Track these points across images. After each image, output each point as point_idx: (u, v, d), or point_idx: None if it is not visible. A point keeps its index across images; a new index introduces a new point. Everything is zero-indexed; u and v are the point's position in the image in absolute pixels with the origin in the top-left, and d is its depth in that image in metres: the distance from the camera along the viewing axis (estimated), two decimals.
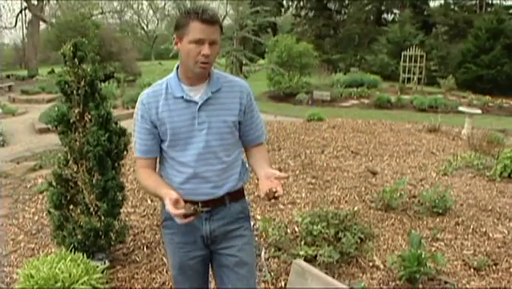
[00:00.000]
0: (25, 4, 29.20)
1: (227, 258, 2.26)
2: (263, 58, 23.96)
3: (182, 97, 2.13)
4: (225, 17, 47.89)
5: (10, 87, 19.18)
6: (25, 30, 35.37)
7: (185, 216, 1.95)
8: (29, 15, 30.30)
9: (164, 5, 54.61)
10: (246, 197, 2.42)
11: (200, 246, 2.26)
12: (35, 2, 27.53)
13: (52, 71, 25.45)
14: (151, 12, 53.45)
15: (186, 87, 2.15)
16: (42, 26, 29.83)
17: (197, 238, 2.24)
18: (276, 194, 1.97)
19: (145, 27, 53.94)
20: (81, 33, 19.52)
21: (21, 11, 32.30)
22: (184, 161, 2.15)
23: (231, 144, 2.23)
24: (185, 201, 2.00)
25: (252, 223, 2.51)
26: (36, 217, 4.86)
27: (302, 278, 2.06)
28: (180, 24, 2.08)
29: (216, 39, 2.05)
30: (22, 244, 4.26)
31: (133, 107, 8.09)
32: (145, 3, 51.59)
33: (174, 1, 55.09)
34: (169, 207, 1.94)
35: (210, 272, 2.40)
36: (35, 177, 6.28)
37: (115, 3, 45.97)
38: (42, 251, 4.05)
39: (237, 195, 2.27)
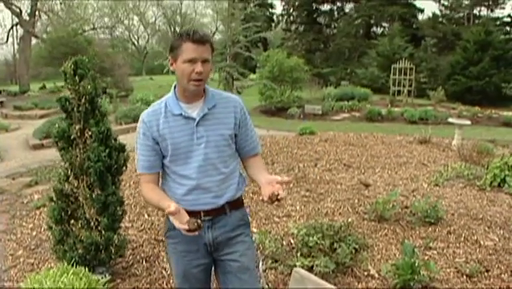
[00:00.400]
0: (16, 20, 29.24)
1: (230, 264, 2.37)
2: (254, 72, 24.14)
3: (181, 114, 2.27)
4: (215, 33, 48.12)
5: (1, 102, 19.18)
6: (16, 46, 35.45)
7: (189, 230, 2.05)
8: (20, 31, 30.39)
9: (155, 20, 55.00)
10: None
11: (203, 254, 2.36)
12: (27, 18, 27.58)
13: (44, 87, 25.47)
14: (141, 27, 53.78)
15: (184, 104, 2.29)
16: (34, 41, 29.89)
17: (200, 247, 2.34)
18: (279, 197, 2.09)
19: (136, 43, 54.19)
20: (73, 48, 19.63)
21: (12, 27, 32.37)
22: (186, 174, 2.27)
23: (229, 155, 2.36)
24: (189, 215, 2.11)
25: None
26: (34, 233, 4.90)
27: (301, 285, 2.15)
28: (174, 46, 2.23)
29: (207, 58, 2.19)
30: (21, 259, 4.30)
31: (126, 123, 8.14)
32: (136, 19, 51.93)
33: (164, 16, 55.58)
34: (174, 221, 2.08)
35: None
36: (31, 193, 6.32)
37: (106, 19, 46.23)
38: (42, 266, 4.09)
39: (236, 204, 2.40)
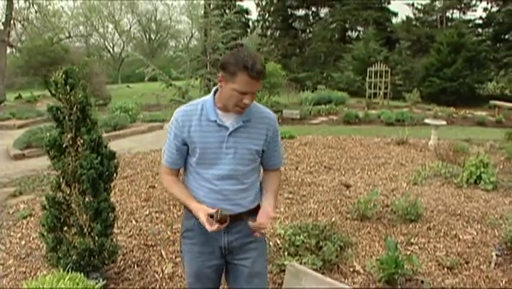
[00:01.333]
0: None
1: (242, 270, 2.47)
2: None
3: (215, 121, 2.33)
4: (191, 38, 47.99)
5: None
6: None
7: (219, 222, 2.19)
8: None
9: (130, 28, 54.78)
10: None
11: (217, 255, 2.46)
12: (1, 27, 27.24)
13: (19, 97, 25.18)
14: (117, 35, 53.52)
15: (220, 112, 2.34)
16: (8, 51, 29.51)
17: (215, 249, 2.44)
18: (261, 230, 2.34)
19: (111, 50, 53.89)
20: (50, 58, 19.52)
21: None
22: (209, 178, 2.36)
23: (252, 168, 2.45)
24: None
25: None
26: (23, 242, 4.93)
27: (296, 279, 2.28)
28: (228, 68, 2.21)
29: (257, 90, 2.29)
30: (12, 268, 4.33)
31: (107, 132, 8.17)
32: (111, 26, 51.69)
33: (139, 23, 55.40)
34: (203, 220, 2.21)
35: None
36: (17, 203, 6.32)
37: (81, 27, 45.98)
38: (34, 274, 4.14)
39: (252, 212, 2.46)
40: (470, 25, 27.30)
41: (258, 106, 2.49)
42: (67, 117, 3.52)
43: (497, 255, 4.34)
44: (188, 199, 2.37)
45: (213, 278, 2.53)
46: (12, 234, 5.24)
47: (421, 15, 30.91)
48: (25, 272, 4.21)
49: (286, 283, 2.33)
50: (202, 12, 35.56)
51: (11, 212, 6.01)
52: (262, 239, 2.59)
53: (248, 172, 2.42)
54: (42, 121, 14.36)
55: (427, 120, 12.12)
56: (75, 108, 3.49)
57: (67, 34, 38.28)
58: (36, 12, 28.02)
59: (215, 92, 2.39)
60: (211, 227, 2.20)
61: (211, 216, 2.21)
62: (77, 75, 3.55)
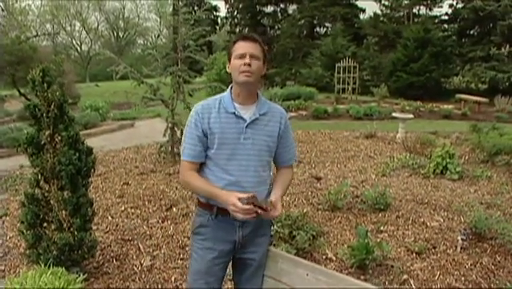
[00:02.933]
0: None
1: (251, 264, 2.56)
2: (201, 75, 24.22)
3: (234, 113, 2.44)
4: (159, 36, 47.68)
5: None
6: None
7: (248, 203, 2.22)
8: None
9: (98, 25, 54.15)
10: None
11: (227, 252, 2.52)
12: None
13: None
14: (84, 33, 52.85)
15: (238, 105, 2.47)
16: None
17: (226, 245, 2.50)
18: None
19: (79, 49, 53.18)
20: (18, 56, 19.18)
21: None
22: (229, 169, 2.43)
23: (267, 161, 2.55)
24: (221, 211, 2.37)
25: None
26: (0, 241, 4.94)
27: (274, 262, 2.42)
28: (229, 49, 2.47)
29: (256, 55, 2.41)
30: None
31: (80, 130, 8.09)
32: (78, 25, 50.99)
33: (107, 21, 54.81)
34: (235, 202, 2.24)
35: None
36: None
37: (48, 25, 45.24)
38: (14, 272, 4.17)
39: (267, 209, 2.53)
40: (436, 21, 27.82)
41: (270, 102, 2.63)
42: (44, 114, 3.58)
43: (462, 240, 4.54)
44: (215, 188, 2.42)
45: (220, 276, 2.57)
46: None
47: (388, 11, 31.31)
48: (3, 270, 4.23)
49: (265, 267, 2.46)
50: (171, 9, 35.47)
51: None
52: (269, 234, 2.69)
53: (264, 163, 2.52)
54: (11, 121, 14.16)
55: (394, 114, 12.40)
56: (52, 106, 3.56)
57: (34, 33, 37.67)
58: (2, 10, 27.51)
59: (231, 88, 2.53)
60: (242, 214, 2.24)
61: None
62: (54, 74, 3.61)
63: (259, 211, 2.25)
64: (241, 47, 2.41)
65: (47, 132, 3.58)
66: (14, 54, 18.89)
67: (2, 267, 4.31)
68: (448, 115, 15.55)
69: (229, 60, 2.46)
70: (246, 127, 2.44)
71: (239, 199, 2.23)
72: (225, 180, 2.42)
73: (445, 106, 17.28)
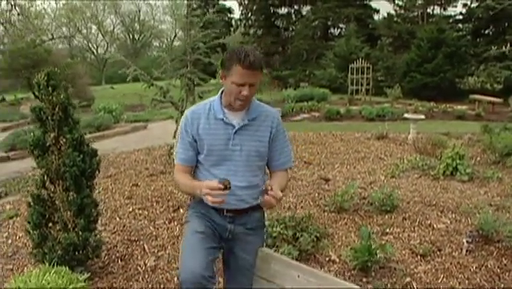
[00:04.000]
0: None
1: (240, 263, 2.59)
2: (214, 77, 24.35)
3: (222, 119, 2.48)
4: (174, 38, 47.95)
5: None
6: None
7: (224, 189, 2.28)
8: None
9: (113, 28, 54.59)
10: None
11: (217, 233, 2.56)
12: None
13: (3, 100, 25.05)
14: (100, 36, 53.31)
15: (227, 111, 2.50)
16: None
17: (217, 226, 2.57)
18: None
19: (95, 52, 53.65)
20: (33, 60, 19.47)
21: None
22: (216, 174, 2.47)
23: (258, 166, 2.58)
24: (214, 210, 2.47)
25: None
26: (10, 241, 5.04)
27: (266, 263, 2.44)
28: (225, 64, 2.42)
29: (255, 82, 2.40)
30: None
31: (90, 132, 8.27)
32: (94, 28, 51.47)
33: (123, 24, 55.23)
34: (205, 191, 2.29)
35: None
36: (2, 204, 6.41)
37: (64, 29, 45.72)
38: (21, 271, 4.25)
39: (257, 206, 2.61)
40: (450, 20, 27.60)
41: (262, 105, 2.64)
42: (49, 117, 3.65)
43: (467, 242, 4.51)
44: (192, 181, 2.50)
45: (212, 240, 2.52)
46: None
47: (402, 12, 31.15)
48: (12, 269, 4.32)
49: (257, 268, 2.49)
50: (185, 12, 35.56)
51: None
52: (262, 234, 2.73)
53: (253, 169, 2.54)
54: (26, 123, 14.36)
55: (406, 115, 12.34)
56: (57, 109, 3.63)
57: (50, 36, 38.08)
58: (18, 14, 27.85)
59: (222, 92, 2.54)
60: (213, 198, 2.28)
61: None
62: (59, 77, 3.67)
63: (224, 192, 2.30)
64: (242, 76, 2.36)
65: (52, 135, 3.64)
66: (29, 57, 19.19)
67: (10, 266, 4.40)
68: (461, 115, 15.41)
69: (224, 76, 2.43)
70: (235, 133, 2.47)
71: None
72: None
73: (459, 107, 17.10)
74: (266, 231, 2.88)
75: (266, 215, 2.81)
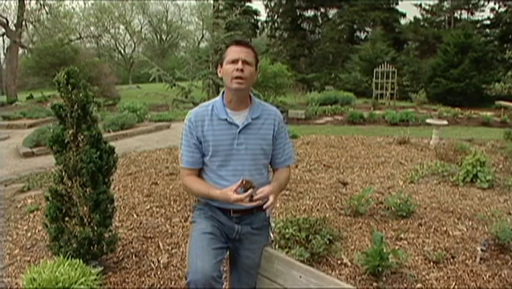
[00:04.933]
0: (3, 30, 29.37)
1: (245, 263, 2.63)
2: None
3: (226, 119, 2.51)
4: (201, 40, 48.25)
5: None
6: (3, 57, 35.51)
7: (245, 190, 2.34)
8: (7, 41, 30.53)
9: (141, 28, 55.24)
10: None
11: (225, 233, 2.59)
12: (13, 28, 27.71)
13: (31, 97, 25.59)
14: (128, 36, 53.98)
15: (230, 111, 2.53)
16: (20, 51, 30.01)
17: (224, 227, 2.59)
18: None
19: (122, 51, 54.33)
20: (60, 58, 19.87)
21: None
22: (223, 175, 2.52)
23: (263, 164, 2.62)
24: (220, 210, 2.50)
25: None
26: (29, 234, 5.17)
27: (270, 263, 2.48)
28: (222, 54, 2.53)
29: (249, 60, 2.46)
30: (18, 258, 4.55)
31: (114, 131, 8.41)
32: (122, 27, 52.15)
33: (150, 24, 55.85)
34: (235, 197, 2.34)
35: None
36: (24, 198, 6.56)
37: (92, 28, 46.44)
38: (38, 263, 4.35)
39: (262, 206, 2.58)
40: (478, 25, 27.31)
41: (264, 104, 2.68)
42: (68, 114, 3.74)
43: (482, 250, 4.46)
44: (211, 188, 2.51)
45: (220, 240, 2.54)
46: (19, 226, 5.48)
47: (429, 16, 30.92)
48: (29, 261, 4.43)
49: (261, 268, 2.53)
50: (212, 13, 35.96)
51: (19, 206, 6.26)
52: (267, 234, 2.77)
53: (259, 167, 2.58)
54: (51, 120, 14.64)
55: (428, 120, 12.23)
56: (75, 106, 3.72)
57: (78, 35, 38.75)
58: (47, 13, 28.47)
59: (223, 93, 2.58)
60: (244, 201, 2.34)
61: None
62: (78, 76, 3.77)
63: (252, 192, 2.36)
64: (234, 52, 2.44)
65: (71, 131, 3.73)
66: (57, 56, 19.60)
67: (28, 258, 4.51)
68: (486, 122, 15.22)
69: (221, 65, 2.50)
70: (239, 132, 2.50)
71: (235, 191, 2.35)
72: (221, 185, 2.49)
73: (485, 113, 16.87)
74: (271, 230, 2.89)
75: (271, 215, 2.83)
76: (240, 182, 2.36)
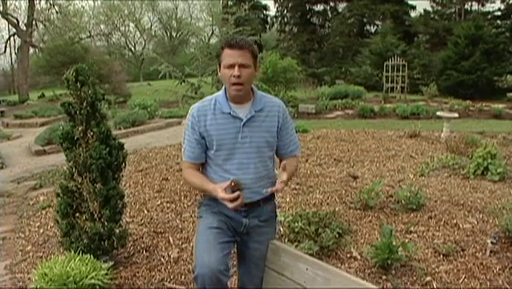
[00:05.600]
0: (14, 30, 29.64)
1: (253, 254, 2.64)
2: None
3: (229, 113, 2.50)
4: (211, 36, 48.34)
5: (2, 112, 19.54)
6: (14, 56, 35.79)
7: (233, 191, 2.33)
8: (18, 41, 30.78)
9: (151, 26, 55.33)
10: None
11: (232, 227, 2.60)
12: (24, 28, 27.94)
13: (42, 96, 25.79)
14: (138, 33, 54.12)
15: (233, 104, 2.52)
16: (31, 51, 30.26)
17: (233, 221, 2.59)
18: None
19: (133, 49, 54.49)
20: (71, 57, 20.01)
21: (10, 37, 32.76)
22: (228, 169, 2.52)
23: (268, 156, 2.61)
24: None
25: None
26: (42, 230, 5.23)
27: (277, 255, 2.49)
28: (218, 54, 2.50)
29: (245, 63, 2.41)
30: (30, 254, 4.62)
31: (125, 128, 8.48)
32: (132, 25, 52.29)
33: (160, 21, 55.94)
34: (221, 195, 2.34)
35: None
36: (37, 195, 6.65)
37: (102, 26, 46.63)
38: (50, 258, 4.41)
39: (269, 198, 2.65)
40: (489, 17, 27.04)
41: (267, 96, 2.67)
42: (78, 112, 3.78)
43: (492, 243, 4.43)
44: (205, 182, 2.52)
45: (227, 234, 2.55)
46: (31, 223, 5.55)
47: (440, 8, 30.66)
48: (41, 257, 4.49)
49: (268, 260, 2.54)
50: (221, 8, 35.97)
51: (31, 203, 6.34)
52: (275, 225, 2.77)
53: (264, 160, 2.57)
54: (63, 118, 14.75)
55: (439, 113, 12.15)
56: (85, 103, 3.76)
57: (88, 34, 38.98)
58: (57, 12, 28.66)
59: (226, 88, 2.55)
60: (231, 204, 2.33)
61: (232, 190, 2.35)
62: (87, 73, 3.80)
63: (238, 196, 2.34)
64: (229, 56, 2.41)
65: (80, 128, 3.78)
66: (67, 54, 19.75)
67: (40, 254, 4.58)
68: (498, 114, 15.08)
69: (219, 66, 2.49)
70: (243, 126, 2.49)
71: (225, 190, 2.34)
72: (225, 179, 2.46)
73: (496, 105, 16.71)
74: (278, 222, 2.91)
75: (277, 207, 2.85)
76: (229, 183, 2.36)
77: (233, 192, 2.34)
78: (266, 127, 2.55)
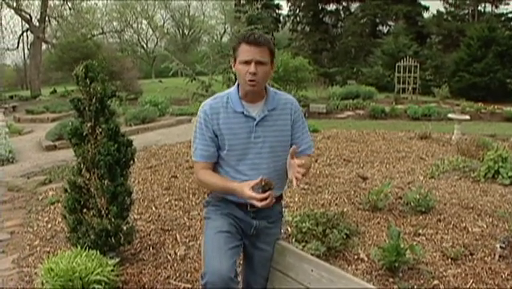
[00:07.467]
0: (27, 26, 29.87)
1: (261, 255, 2.61)
2: None
3: (242, 112, 2.43)
4: (223, 34, 48.35)
5: (14, 107, 19.70)
6: (27, 52, 36.06)
7: (264, 191, 2.27)
8: (31, 37, 31.03)
9: (163, 23, 55.46)
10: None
11: (246, 223, 2.55)
12: (37, 24, 28.14)
13: (54, 92, 25.97)
14: (150, 31, 54.27)
15: (246, 103, 2.46)
16: (44, 47, 30.49)
17: (241, 222, 2.55)
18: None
19: (145, 46, 54.65)
20: (83, 53, 20.11)
21: (23, 33, 33.03)
22: (241, 170, 2.46)
23: (281, 156, 2.50)
24: (236, 205, 2.44)
25: None
26: (50, 225, 5.26)
27: (281, 255, 2.48)
28: (234, 48, 2.42)
29: (262, 60, 2.34)
30: (38, 248, 4.64)
31: (135, 124, 8.48)
32: (144, 22, 52.45)
33: (173, 19, 56.05)
34: (249, 193, 2.26)
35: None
36: (46, 190, 6.69)
37: (115, 23, 46.82)
38: (57, 254, 4.44)
39: (278, 198, 2.60)
40: (502, 18, 26.79)
41: (280, 93, 2.60)
42: (87, 108, 3.79)
43: (501, 248, 4.38)
44: (227, 181, 2.44)
45: (236, 238, 2.49)
46: (40, 218, 5.58)
47: (453, 9, 30.45)
48: (49, 252, 4.50)
49: (273, 260, 2.53)
50: (233, 7, 35.99)
51: (40, 198, 6.38)
52: (280, 224, 2.74)
53: (276, 159, 2.50)
54: (73, 115, 14.86)
55: (450, 115, 12.05)
56: (94, 100, 3.77)
57: (101, 30, 39.14)
58: (70, 9, 28.83)
59: (238, 85, 2.49)
60: (260, 202, 2.26)
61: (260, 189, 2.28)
62: (96, 69, 3.81)
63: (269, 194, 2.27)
64: (246, 52, 2.33)
65: (89, 124, 3.79)
66: (79, 51, 19.86)
67: (48, 249, 4.60)
68: (510, 117, 14.92)
69: (234, 60, 2.42)
70: (256, 125, 2.43)
71: (252, 188, 2.27)
72: (238, 180, 2.43)
73: (509, 108, 16.54)
74: (285, 222, 2.89)
75: (284, 207, 2.84)
76: (259, 180, 2.28)
77: (263, 191, 2.27)
78: (279, 126, 2.50)
